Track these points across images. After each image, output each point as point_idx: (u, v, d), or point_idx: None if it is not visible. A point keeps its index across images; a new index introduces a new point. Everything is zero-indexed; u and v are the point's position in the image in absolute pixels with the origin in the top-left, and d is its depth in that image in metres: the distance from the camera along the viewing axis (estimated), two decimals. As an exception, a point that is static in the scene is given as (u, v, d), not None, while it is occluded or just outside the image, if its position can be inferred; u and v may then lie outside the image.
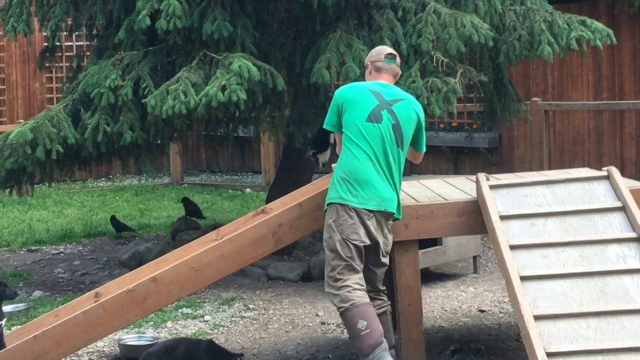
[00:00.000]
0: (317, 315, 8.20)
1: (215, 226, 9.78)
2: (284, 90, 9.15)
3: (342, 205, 6.00)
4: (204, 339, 6.77)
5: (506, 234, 5.86)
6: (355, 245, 5.97)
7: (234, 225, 7.13)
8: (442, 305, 8.38)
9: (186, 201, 11.93)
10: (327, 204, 6.13)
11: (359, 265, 6.00)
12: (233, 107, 8.65)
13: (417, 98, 8.60)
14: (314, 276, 9.56)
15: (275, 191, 10.06)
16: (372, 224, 5.99)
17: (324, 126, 6.27)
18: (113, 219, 12.01)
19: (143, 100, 8.74)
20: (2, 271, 10.06)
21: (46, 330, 6.20)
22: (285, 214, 6.54)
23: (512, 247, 5.73)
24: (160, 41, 9.18)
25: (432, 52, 8.95)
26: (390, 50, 6.38)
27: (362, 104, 6.08)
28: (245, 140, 16.01)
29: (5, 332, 6.55)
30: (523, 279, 5.48)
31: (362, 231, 5.97)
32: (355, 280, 5.95)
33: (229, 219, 10.98)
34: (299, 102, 9.68)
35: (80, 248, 11.46)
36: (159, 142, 9.82)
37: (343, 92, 6.17)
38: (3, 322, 6.37)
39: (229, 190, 15.68)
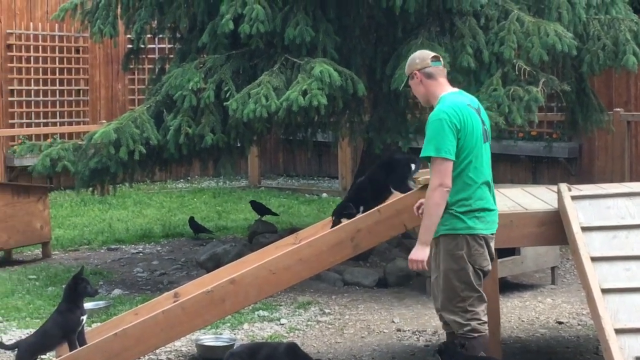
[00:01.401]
0: (393, 321, 8.19)
1: (292, 230, 9.83)
2: (364, 95, 9.17)
3: (471, 235, 5.73)
4: (284, 342, 6.80)
5: (587, 245, 5.79)
6: (485, 271, 5.85)
7: (312, 229, 7.18)
8: (519, 315, 8.31)
9: (254, 203, 12.10)
10: (450, 234, 5.74)
11: (483, 292, 5.88)
12: (313, 112, 8.69)
13: (498, 106, 8.58)
14: (390, 283, 9.55)
15: (353, 196, 10.06)
16: (492, 245, 5.92)
17: (444, 155, 5.57)
18: (191, 220, 12.15)
19: (225, 103, 8.84)
20: (83, 269, 10.21)
21: (126, 328, 6.30)
22: (363, 220, 6.54)
23: (594, 259, 5.66)
24: (243, 45, 9.27)
25: (515, 61, 8.89)
26: (431, 52, 6.01)
27: (475, 124, 5.71)
28: (323, 145, 16.04)
29: (86, 328, 6.65)
30: (604, 291, 5.40)
31: (487, 255, 5.91)
32: (484, 311, 5.83)
33: (305, 224, 11.03)
34: (379, 108, 9.69)
35: (158, 248, 11.61)
36: (239, 144, 9.90)
37: (456, 115, 5.65)
38: (84, 318, 6.48)
39: (306, 195, 15.74)
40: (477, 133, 5.72)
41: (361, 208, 6.75)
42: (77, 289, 6.49)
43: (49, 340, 6.46)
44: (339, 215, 6.83)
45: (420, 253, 5.64)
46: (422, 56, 5.90)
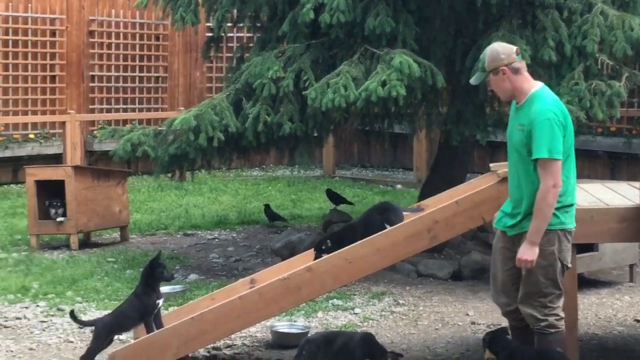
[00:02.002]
0: (467, 314, 8.17)
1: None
2: (443, 87, 9.13)
3: (562, 230, 5.72)
4: (359, 332, 6.83)
5: (670, 243, 5.71)
6: (569, 267, 5.84)
7: (389, 220, 7.16)
8: (596, 312, 8.22)
9: (329, 192, 12.16)
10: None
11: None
12: (391, 103, 8.68)
13: (580, 101, 8.48)
14: (465, 276, 9.52)
15: (428, 189, 10.05)
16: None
17: (556, 156, 5.54)
18: (267, 208, 12.23)
19: (303, 93, 8.88)
20: (161, 253, 10.34)
21: (203, 313, 6.37)
22: (441, 211, 6.53)
23: (676, 257, 5.58)
24: (323, 35, 9.29)
25: (597, 55, 8.78)
26: (511, 46, 5.90)
27: (570, 120, 5.76)
28: (399, 136, 15.97)
29: (163, 312, 6.75)
30: (686, 290, 5.33)
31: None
32: (561, 307, 5.82)
33: (380, 214, 11.02)
34: (457, 100, 9.65)
35: (234, 235, 11.71)
36: (316, 134, 9.94)
37: (562, 112, 5.66)
38: (160, 302, 6.57)
39: (380, 186, 15.73)
40: (572, 129, 5.71)
41: (328, 243, 6.71)
42: (154, 273, 6.58)
43: (126, 321, 6.57)
44: (318, 250, 6.77)
45: (530, 253, 5.61)
46: (506, 50, 5.78)
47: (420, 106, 10.25)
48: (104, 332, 6.52)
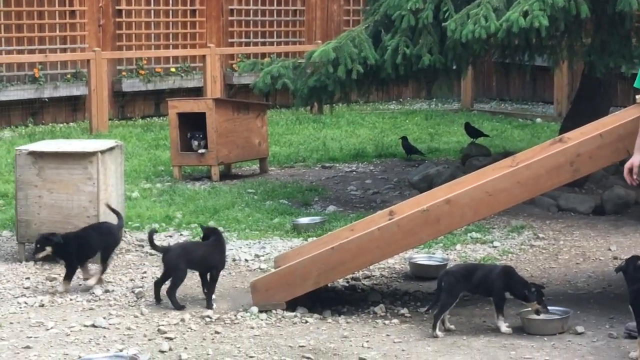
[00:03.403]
0: (609, 249, 8.03)
1: (506, 154, 9.73)
2: (587, 17, 8.88)
3: None
4: (499, 265, 6.79)
5: None
6: None
7: (530, 152, 7.06)
8: None
9: (467, 125, 12.14)
10: None
11: None
12: (533, 34, 8.53)
13: None
14: (607, 210, 9.33)
15: (570, 122, 9.84)
16: None
17: None
18: (405, 140, 12.21)
19: (443, 24, 8.78)
20: (298, 185, 10.49)
21: (343, 243, 6.44)
22: (584, 144, 6.40)
23: None
24: (463, -36, 9.14)
25: None
26: None
27: None
28: (538, 69, 15.62)
29: (302, 242, 6.82)
30: None
31: None
32: None
33: (518, 148, 10.89)
34: (601, 31, 9.38)
35: (371, 167, 11.75)
36: (455, 66, 9.83)
37: None
38: None
39: (519, 119, 15.51)
40: None
41: None
42: None
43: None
44: None
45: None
46: None
47: (563, 37, 10.01)
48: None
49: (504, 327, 6.07)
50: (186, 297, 6.73)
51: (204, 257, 6.63)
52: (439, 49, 9.02)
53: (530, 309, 6.09)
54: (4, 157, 11.81)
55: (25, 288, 6.92)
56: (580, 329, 6.05)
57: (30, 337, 5.90)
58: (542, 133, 13.76)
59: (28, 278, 7.17)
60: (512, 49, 10.14)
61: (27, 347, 5.72)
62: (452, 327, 6.13)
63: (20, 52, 14.70)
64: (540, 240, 8.32)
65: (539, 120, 15.39)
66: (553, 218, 9.15)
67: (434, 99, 17.89)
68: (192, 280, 6.83)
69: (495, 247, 8.09)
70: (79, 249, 6.92)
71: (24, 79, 14.84)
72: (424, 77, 9.92)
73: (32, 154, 7.67)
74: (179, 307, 6.43)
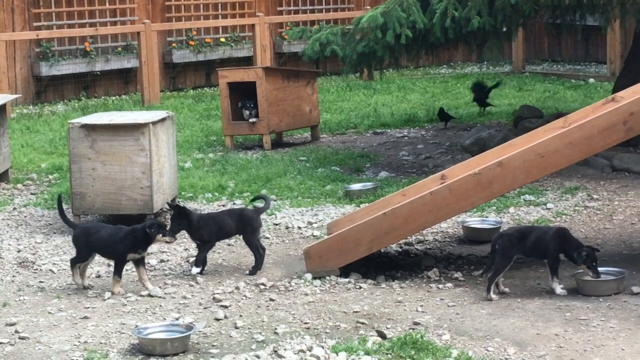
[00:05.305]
0: (665, 209, 7.96)
1: (559, 115, 9.63)
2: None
3: None
4: (554, 226, 6.75)
5: None
6: None
7: (582, 113, 7.00)
8: None
9: (440, 111, 12.10)
10: None
11: None
12: (584, -8, 8.40)
13: None
14: (662, 170, 9.23)
15: (623, 81, 9.72)
16: None
17: None
18: (441, 110, 12.11)
19: (492, -15, 8.69)
20: (349, 152, 10.49)
21: (395, 208, 6.43)
22: (638, 103, 6.31)
23: None
24: None
25: None
26: None
27: None
28: (590, 28, 15.48)
29: (354, 208, 6.81)
30: None
31: None
32: None
33: (571, 109, 10.78)
34: (654, -13, 9.23)
35: (423, 132, 11.71)
36: (505, 28, 9.73)
37: None
38: None
39: (572, 80, 15.34)
40: None
41: None
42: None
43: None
44: None
45: None
46: None
47: (615, -5, 9.86)
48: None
49: (558, 289, 6.05)
50: (240, 265, 6.79)
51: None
52: (488, 11, 8.95)
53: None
54: (58, 131, 11.96)
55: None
56: (636, 289, 6.00)
57: (88, 307, 5.99)
58: (596, 93, 13.61)
59: (85, 249, 7.26)
60: (563, 8, 10.03)
61: (85, 317, 5.81)
62: (507, 289, 6.12)
63: (70, 26, 14.83)
64: (594, 201, 8.24)
65: (592, 80, 15.22)
66: (607, 178, 9.06)
67: (485, 62, 17.75)
68: (244, 249, 6.87)
69: (549, 209, 8.03)
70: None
71: (76, 52, 14.98)
72: (474, 40, 9.85)
73: (85, 126, 7.75)
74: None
